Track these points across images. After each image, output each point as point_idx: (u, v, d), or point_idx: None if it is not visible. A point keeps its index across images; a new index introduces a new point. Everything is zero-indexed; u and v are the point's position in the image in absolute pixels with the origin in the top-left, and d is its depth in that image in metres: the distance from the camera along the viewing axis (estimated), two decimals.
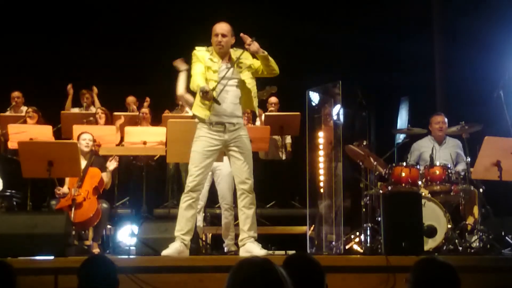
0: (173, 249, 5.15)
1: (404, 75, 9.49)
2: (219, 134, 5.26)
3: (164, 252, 5.15)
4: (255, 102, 5.42)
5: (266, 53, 5.27)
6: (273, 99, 8.74)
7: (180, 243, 5.19)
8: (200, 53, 5.33)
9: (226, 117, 5.26)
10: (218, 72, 5.24)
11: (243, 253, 5.23)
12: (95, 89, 9.48)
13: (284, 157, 8.72)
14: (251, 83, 5.36)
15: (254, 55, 5.34)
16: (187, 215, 5.25)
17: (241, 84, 5.33)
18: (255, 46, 5.22)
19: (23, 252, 4.94)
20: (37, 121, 8.43)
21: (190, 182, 5.24)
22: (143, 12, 10.32)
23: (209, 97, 5.03)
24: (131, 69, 9.90)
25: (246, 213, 5.30)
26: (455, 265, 2.96)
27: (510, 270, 4.94)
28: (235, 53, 5.35)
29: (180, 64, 6.16)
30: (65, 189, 6.86)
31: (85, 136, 7.09)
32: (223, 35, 5.28)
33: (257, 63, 5.36)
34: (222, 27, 5.31)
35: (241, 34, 5.26)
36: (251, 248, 5.19)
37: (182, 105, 8.65)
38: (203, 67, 5.26)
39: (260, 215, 7.12)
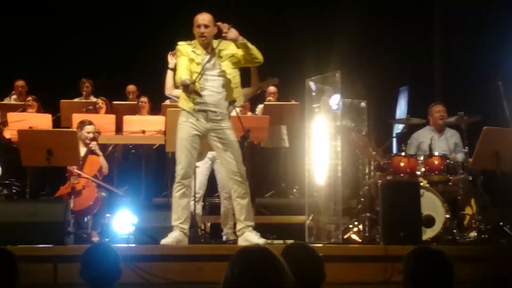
0: (172, 238, 5.16)
1: (403, 65, 9.48)
2: (200, 121, 5.25)
3: (163, 241, 5.16)
4: (237, 92, 5.38)
5: (245, 40, 5.22)
6: (272, 89, 8.71)
7: (179, 232, 5.19)
8: (183, 47, 5.32)
9: (209, 105, 5.25)
10: (201, 64, 5.21)
11: (241, 242, 5.24)
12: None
13: (287, 145, 8.71)
14: (232, 73, 5.33)
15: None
16: (182, 204, 5.26)
17: (223, 75, 5.31)
18: (232, 33, 5.18)
19: (22, 240, 4.95)
20: (36, 109, 8.41)
21: (179, 170, 5.24)
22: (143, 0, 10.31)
23: (190, 90, 5.03)
24: (131, 58, 9.88)
25: (241, 203, 5.31)
26: (453, 255, 2.97)
27: (508, 260, 4.95)
28: (216, 43, 5.31)
29: (170, 59, 6.13)
30: None
31: (89, 129, 7.02)
32: (205, 26, 5.25)
33: (240, 52, 5.31)
34: (203, 18, 5.28)
35: (218, 23, 5.24)
36: (250, 237, 5.21)
37: None
38: (187, 60, 5.25)
39: (258, 205, 7.12)
